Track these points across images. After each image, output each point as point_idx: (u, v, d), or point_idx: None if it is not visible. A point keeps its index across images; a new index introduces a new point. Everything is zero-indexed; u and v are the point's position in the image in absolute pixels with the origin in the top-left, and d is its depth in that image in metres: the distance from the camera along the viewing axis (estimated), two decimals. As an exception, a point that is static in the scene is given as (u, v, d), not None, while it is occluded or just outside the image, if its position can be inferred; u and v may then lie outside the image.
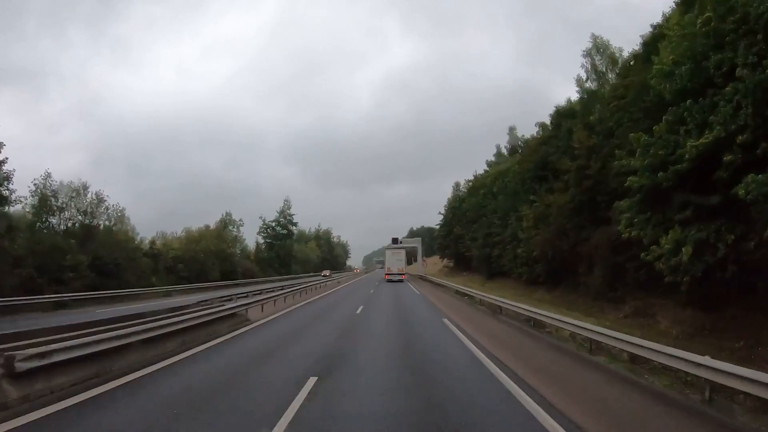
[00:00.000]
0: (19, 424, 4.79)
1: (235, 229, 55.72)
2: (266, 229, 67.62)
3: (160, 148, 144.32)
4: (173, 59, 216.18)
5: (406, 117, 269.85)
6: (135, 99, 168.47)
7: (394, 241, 66.35)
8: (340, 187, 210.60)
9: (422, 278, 50.81)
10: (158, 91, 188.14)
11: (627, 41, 53.20)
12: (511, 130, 60.27)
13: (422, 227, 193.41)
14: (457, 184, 63.21)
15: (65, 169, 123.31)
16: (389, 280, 42.98)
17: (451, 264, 63.47)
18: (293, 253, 69.56)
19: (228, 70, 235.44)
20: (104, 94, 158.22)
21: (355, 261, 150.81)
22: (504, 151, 60.64)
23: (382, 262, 67.43)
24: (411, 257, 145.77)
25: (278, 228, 68.24)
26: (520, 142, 57.93)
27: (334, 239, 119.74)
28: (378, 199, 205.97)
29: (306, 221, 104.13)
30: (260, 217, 67.91)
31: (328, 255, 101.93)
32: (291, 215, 69.47)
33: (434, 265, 65.81)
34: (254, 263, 57.07)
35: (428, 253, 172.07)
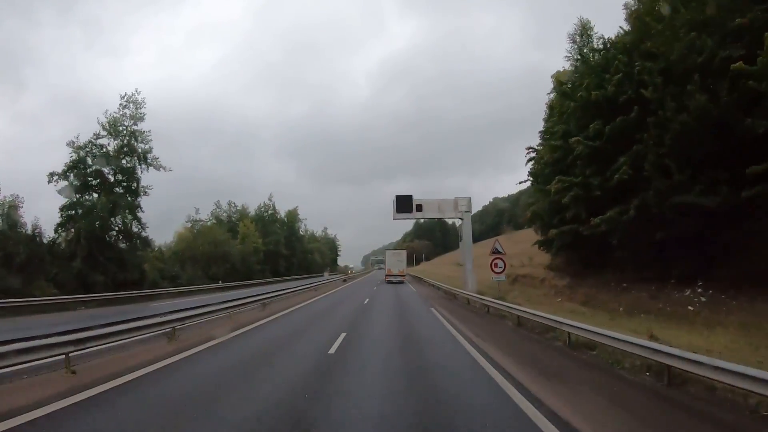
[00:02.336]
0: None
1: None
2: (71, 171, 26.20)
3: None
4: (156, 46, 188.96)
5: (406, 106, 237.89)
6: (119, 91, 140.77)
7: (402, 206, 24.81)
8: (338, 183, 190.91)
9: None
10: (144, 82, 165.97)
11: None
12: None
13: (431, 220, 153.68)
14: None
15: (51, 167, 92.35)
16: (389, 282, 39.84)
17: (554, 257, 21.97)
18: (140, 236, 27.76)
19: (215, 57, 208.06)
20: (88, 87, 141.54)
21: (354, 260, 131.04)
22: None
23: (381, 262, 70.58)
24: (419, 256, 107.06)
25: (104, 168, 26.65)
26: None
27: (305, 226, 78.37)
28: (378, 196, 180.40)
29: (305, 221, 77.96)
30: (69, 143, 26.67)
31: (286, 249, 60.14)
32: (143, 136, 27.94)
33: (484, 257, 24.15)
34: None
35: (441, 249, 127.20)
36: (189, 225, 43.53)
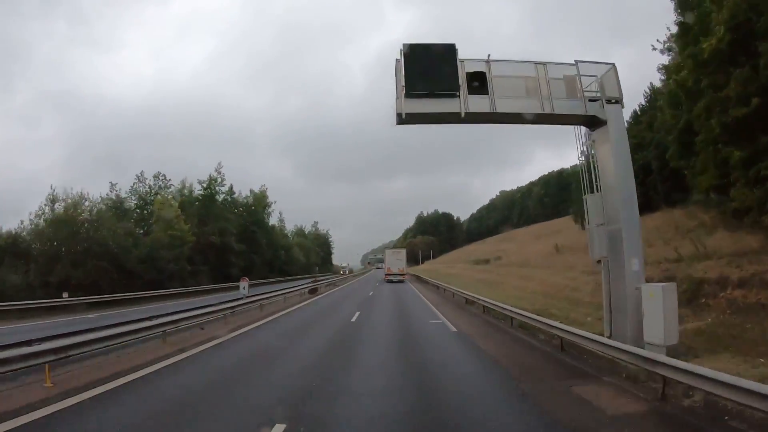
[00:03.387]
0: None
1: None
2: None
3: (143, 141, 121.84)
4: (147, 42, 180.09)
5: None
6: (111, 88, 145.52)
7: (427, 75, 6.07)
8: (337, 181, 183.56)
9: None
10: (136, 79, 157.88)
11: None
12: None
13: (436, 211, 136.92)
14: None
15: (42, 167, 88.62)
16: (389, 281, 41.16)
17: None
18: None
19: (207, 51, 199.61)
20: (78, 84, 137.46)
21: (352, 260, 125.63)
22: None
23: (380, 260, 72.47)
24: (425, 253, 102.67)
25: None
26: None
27: (280, 215, 61.46)
28: (377, 195, 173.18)
29: (302, 220, 64.45)
30: None
31: (243, 243, 43.17)
32: None
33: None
34: None
35: (446, 246, 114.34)
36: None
